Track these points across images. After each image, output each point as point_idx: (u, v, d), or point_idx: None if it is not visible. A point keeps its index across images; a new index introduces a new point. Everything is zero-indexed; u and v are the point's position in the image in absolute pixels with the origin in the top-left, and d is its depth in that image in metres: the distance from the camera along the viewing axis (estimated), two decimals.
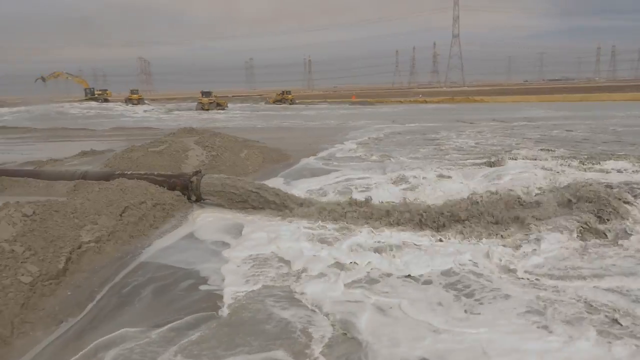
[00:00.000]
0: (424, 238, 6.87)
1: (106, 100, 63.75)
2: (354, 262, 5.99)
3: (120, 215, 7.48)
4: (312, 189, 10.39)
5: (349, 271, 5.78)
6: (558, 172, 10.65)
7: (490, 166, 12.28)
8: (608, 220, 6.98)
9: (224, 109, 47.45)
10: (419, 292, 5.24)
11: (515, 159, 12.95)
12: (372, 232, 7.18)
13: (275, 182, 11.48)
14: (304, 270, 5.91)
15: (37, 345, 4.41)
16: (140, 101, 59.97)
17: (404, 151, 17.09)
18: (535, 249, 6.19)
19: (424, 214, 7.48)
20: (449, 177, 11.07)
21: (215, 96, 49.20)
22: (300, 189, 10.43)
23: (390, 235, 6.98)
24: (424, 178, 10.84)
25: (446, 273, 5.74)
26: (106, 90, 67.96)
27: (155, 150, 11.76)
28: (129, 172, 9.99)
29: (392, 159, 14.94)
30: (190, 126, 17.35)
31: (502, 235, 6.74)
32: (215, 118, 40.91)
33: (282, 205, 8.76)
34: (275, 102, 59.18)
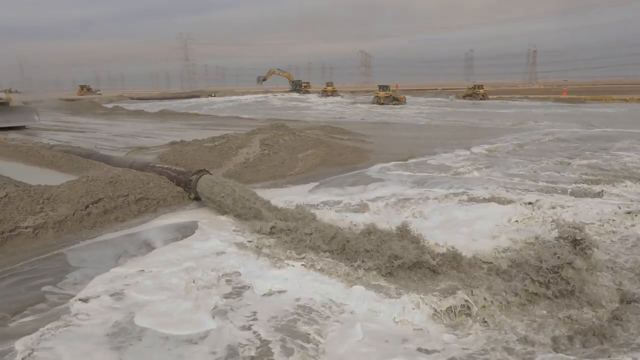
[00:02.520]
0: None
1: (307, 92, 70.17)
2: None
3: (87, 206, 8.18)
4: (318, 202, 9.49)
5: None
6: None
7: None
8: None
9: (401, 103, 46.72)
10: None
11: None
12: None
13: (304, 188, 10.95)
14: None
15: None
16: (334, 93, 63.74)
17: (518, 163, 14.18)
18: None
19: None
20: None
21: (393, 90, 48.82)
22: (310, 200, 9.66)
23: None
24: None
25: None
26: (308, 82, 75.49)
27: (208, 146, 12.39)
28: (157, 165, 10.82)
29: (477, 172, 12.58)
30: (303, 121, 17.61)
31: None
32: (384, 112, 40.59)
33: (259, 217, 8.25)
34: (465, 96, 55.38)
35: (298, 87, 73.34)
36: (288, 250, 6.42)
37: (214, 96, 70.67)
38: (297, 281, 5.36)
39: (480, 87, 55.98)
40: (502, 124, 29.58)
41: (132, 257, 6.78)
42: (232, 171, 11.51)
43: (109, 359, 4.11)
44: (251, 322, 4.61)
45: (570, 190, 9.81)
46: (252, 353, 4.09)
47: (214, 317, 4.72)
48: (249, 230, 7.69)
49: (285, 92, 72.27)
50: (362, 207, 8.97)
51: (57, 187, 8.57)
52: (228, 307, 4.94)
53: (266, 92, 72.61)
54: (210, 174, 9.82)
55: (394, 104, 46.07)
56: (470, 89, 56.31)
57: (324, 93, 64.02)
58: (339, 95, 64.06)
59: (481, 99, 53.64)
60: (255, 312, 4.82)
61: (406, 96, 57.06)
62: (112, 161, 12.18)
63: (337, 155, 13.85)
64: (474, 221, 7.42)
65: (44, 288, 5.76)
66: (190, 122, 28.99)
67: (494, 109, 45.70)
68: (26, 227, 7.31)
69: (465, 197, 9.47)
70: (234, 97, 62.65)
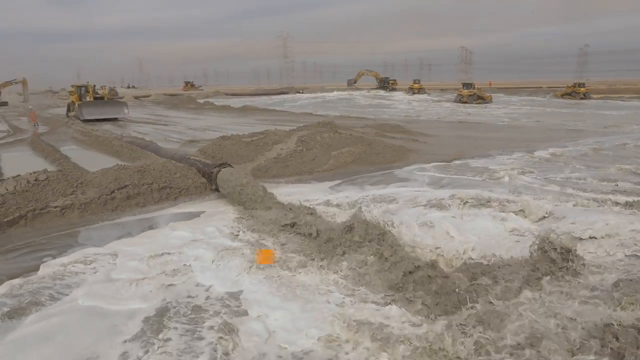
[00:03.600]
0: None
1: (394, 89, 69.78)
2: None
3: (113, 191, 9.17)
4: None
5: None
6: None
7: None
8: None
9: (486, 102, 44.37)
10: None
11: None
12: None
13: (325, 185, 11.14)
14: None
15: None
16: (420, 90, 62.51)
17: (575, 169, 13.11)
18: None
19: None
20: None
21: (478, 88, 46.42)
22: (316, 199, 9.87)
23: None
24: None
25: None
26: (395, 80, 75.36)
27: (246, 141, 13.05)
28: (192, 157, 11.68)
29: (517, 175, 11.87)
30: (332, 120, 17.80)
31: None
32: (467, 111, 38.95)
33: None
34: (564, 95, 51.05)
35: (386, 84, 73.40)
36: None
37: (302, 93, 72.83)
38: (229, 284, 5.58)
39: (582, 85, 51.37)
40: (594, 126, 27.11)
41: (130, 238, 7.55)
42: (262, 165, 12.05)
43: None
44: (174, 314, 5.00)
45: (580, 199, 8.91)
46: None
47: (145, 300, 5.21)
48: (246, 223, 8.08)
49: (372, 89, 72.49)
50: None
51: (92, 173, 9.71)
52: (160, 293, 5.41)
53: (354, 89, 73.51)
54: (232, 167, 10.43)
55: (478, 103, 43.98)
56: (570, 87, 51.88)
57: (410, 90, 63.09)
58: (425, 92, 62.68)
59: (582, 99, 49.23)
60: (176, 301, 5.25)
61: (500, 95, 54.21)
62: (161, 152, 13.34)
63: (375, 154, 13.81)
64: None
65: (45, 259, 6.68)
66: (265, 118, 30.29)
67: (595, 109, 41.83)
68: (55, 207, 8.43)
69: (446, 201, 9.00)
70: (319, 94, 64.01)
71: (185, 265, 6.12)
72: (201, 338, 4.41)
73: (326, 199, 9.67)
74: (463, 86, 46.89)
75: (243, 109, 38.61)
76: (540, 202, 8.21)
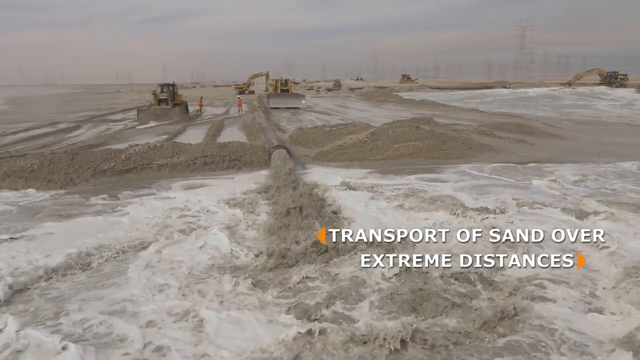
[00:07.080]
0: None
1: (623, 85, 60.13)
2: None
3: (196, 158, 13.15)
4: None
5: None
6: None
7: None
8: None
9: None
10: None
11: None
12: None
13: (364, 171, 12.97)
14: None
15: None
16: None
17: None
18: None
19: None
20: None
21: None
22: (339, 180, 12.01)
23: None
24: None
25: None
26: (625, 75, 64.42)
27: (326, 130, 15.67)
28: (272, 140, 14.98)
29: (534, 182, 11.62)
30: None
31: None
32: None
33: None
34: None
35: (612, 80, 63.66)
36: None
37: (507, 87, 68.84)
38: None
39: None
40: None
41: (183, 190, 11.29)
42: (325, 151, 14.55)
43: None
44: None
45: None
46: None
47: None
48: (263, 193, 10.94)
49: (594, 84, 63.86)
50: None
51: (191, 145, 13.90)
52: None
53: (569, 84, 66.08)
54: (285, 150, 13.32)
55: None
56: None
57: None
58: None
59: None
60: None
61: None
62: (265, 135, 17.08)
63: (439, 150, 14.67)
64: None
65: (123, 191, 10.89)
66: (423, 112, 31.61)
67: None
68: (155, 164, 12.82)
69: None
70: (523, 90, 59.76)
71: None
72: None
73: (343, 180, 11.72)
74: None
75: (417, 103, 40.25)
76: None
